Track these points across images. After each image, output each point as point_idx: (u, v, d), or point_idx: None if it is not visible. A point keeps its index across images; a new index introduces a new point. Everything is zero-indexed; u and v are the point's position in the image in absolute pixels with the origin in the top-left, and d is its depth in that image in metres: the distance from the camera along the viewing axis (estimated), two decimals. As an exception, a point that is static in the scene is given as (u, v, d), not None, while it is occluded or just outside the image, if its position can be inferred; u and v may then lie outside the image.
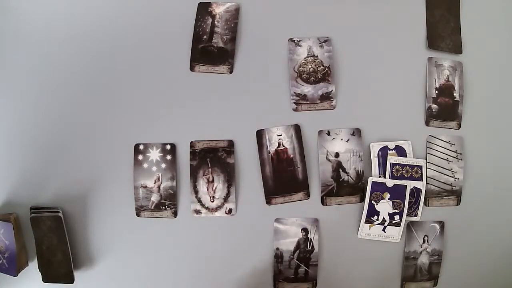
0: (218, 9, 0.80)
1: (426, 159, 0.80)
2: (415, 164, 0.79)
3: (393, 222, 0.78)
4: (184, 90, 0.79)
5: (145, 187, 0.78)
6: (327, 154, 0.79)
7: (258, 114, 0.79)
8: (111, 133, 0.79)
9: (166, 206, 0.78)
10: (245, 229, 0.79)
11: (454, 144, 0.81)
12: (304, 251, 0.79)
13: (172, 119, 0.79)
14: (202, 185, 0.78)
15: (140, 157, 0.78)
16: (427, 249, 0.80)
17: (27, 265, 0.79)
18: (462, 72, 0.82)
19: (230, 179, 0.78)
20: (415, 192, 0.79)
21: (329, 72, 0.79)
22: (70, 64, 0.79)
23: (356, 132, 0.79)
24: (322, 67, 0.79)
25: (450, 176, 0.80)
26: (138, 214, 0.79)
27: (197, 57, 0.79)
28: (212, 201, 0.78)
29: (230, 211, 0.78)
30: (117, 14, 0.80)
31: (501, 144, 0.82)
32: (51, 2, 0.80)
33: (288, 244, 0.79)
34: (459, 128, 0.81)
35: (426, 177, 0.79)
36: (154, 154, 0.78)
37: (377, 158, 0.79)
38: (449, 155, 0.80)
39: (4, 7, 0.80)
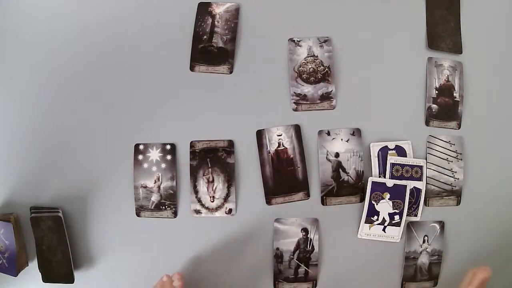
0: (218, 9, 0.80)
1: (426, 159, 0.80)
2: (415, 164, 0.79)
3: (393, 222, 0.78)
4: (184, 90, 0.79)
5: (145, 187, 0.78)
6: (327, 154, 0.79)
7: (258, 114, 0.79)
8: (111, 133, 0.79)
9: (166, 206, 0.78)
10: (245, 229, 0.79)
11: (454, 144, 0.81)
12: (304, 251, 0.79)
13: (172, 119, 0.79)
14: (202, 185, 0.78)
15: (140, 157, 0.78)
16: (427, 249, 0.80)
17: (27, 265, 0.79)
18: (462, 72, 0.82)
19: (230, 179, 0.78)
20: (415, 192, 0.79)
21: (329, 72, 0.79)
22: (70, 64, 0.79)
23: (356, 132, 0.79)
24: (322, 67, 0.79)
25: (450, 176, 0.80)
26: (138, 214, 0.79)
27: (197, 57, 0.79)
28: (212, 201, 0.78)
29: (230, 211, 0.78)
30: (117, 14, 0.80)
31: (501, 144, 0.82)
32: (51, 2, 0.80)
33: (288, 244, 0.79)
34: (459, 128, 0.81)
35: (426, 177, 0.79)
36: (154, 154, 0.78)
37: (377, 158, 0.79)
38: (449, 155, 0.80)
39: (5, 7, 0.80)
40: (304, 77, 0.79)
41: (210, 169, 0.78)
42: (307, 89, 0.79)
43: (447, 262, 0.81)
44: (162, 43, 0.80)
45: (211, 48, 0.79)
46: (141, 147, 0.78)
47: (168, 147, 0.78)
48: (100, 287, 0.80)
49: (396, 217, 0.78)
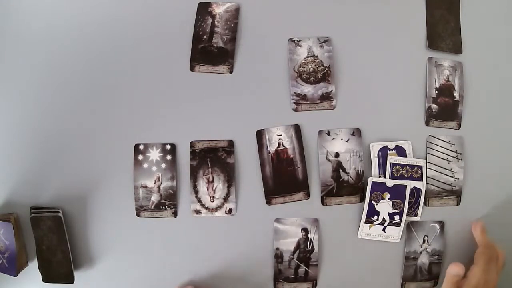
0: (218, 9, 0.80)
1: (426, 159, 0.80)
2: (415, 164, 0.79)
3: (393, 222, 0.78)
4: (184, 90, 0.79)
5: (145, 187, 0.78)
6: (327, 154, 0.79)
7: (258, 114, 0.79)
8: (111, 133, 0.79)
9: (166, 206, 0.78)
10: (245, 229, 0.79)
11: (454, 144, 0.81)
12: (304, 251, 0.79)
13: (172, 119, 0.79)
14: (202, 185, 0.78)
15: (140, 157, 0.78)
16: (427, 249, 0.80)
17: (27, 265, 0.79)
18: (462, 72, 0.82)
19: (230, 179, 0.78)
20: (415, 192, 0.79)
21: (329, 72, 0.79)
22: (70, 64, 0.79)
23: (356, 132, 0.79)
24: (322, 67, 0.79)
25: (450, 176, 0.80)
26: (138, 214, 0.79)
27: (197, 57, 0.79)
28: (212, 201, 0.78)
29: (230, 211, 0.78)
30: (117, 14, 0.80)
31: (501, 144, 0.82)
32: (51, 2, 0.80)
33: (288, 244, 0.79)
34: (459, 128, 0.81)
35: (426, 177, 0.79)
36: (154, 154, 0.78)
37: (377, 158, 0.79)
38: (449, 155, 0.80)
39: (5, 7, 0.80)
40: (304, 77, 0.79)
41: (210, 169, 0.78)
42: (307, 89, 0.79)
43: (447, 262, 0.81)
44: (162, 43, 0.80)
45: (211, 48, 0.79)
46: (141, 147, 0.78)
47: (168, 147, 0.78)
48: (100, 287, 0.80)
49: (396, 217, 0.78)
